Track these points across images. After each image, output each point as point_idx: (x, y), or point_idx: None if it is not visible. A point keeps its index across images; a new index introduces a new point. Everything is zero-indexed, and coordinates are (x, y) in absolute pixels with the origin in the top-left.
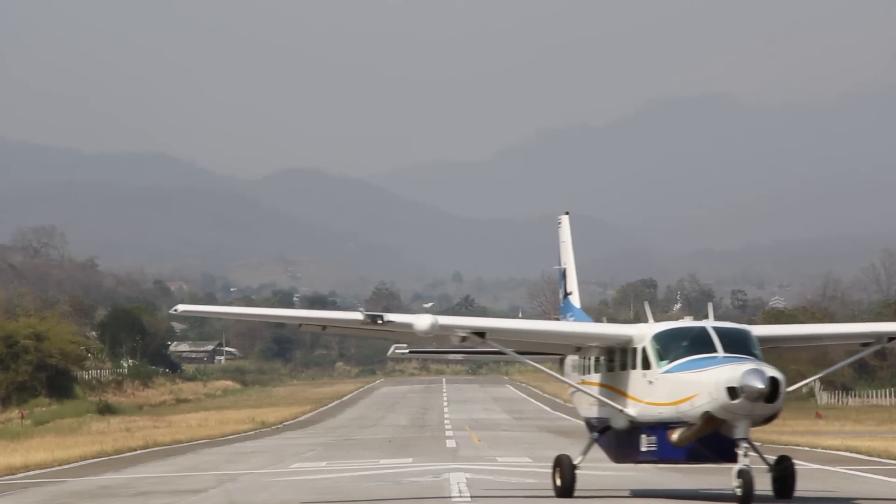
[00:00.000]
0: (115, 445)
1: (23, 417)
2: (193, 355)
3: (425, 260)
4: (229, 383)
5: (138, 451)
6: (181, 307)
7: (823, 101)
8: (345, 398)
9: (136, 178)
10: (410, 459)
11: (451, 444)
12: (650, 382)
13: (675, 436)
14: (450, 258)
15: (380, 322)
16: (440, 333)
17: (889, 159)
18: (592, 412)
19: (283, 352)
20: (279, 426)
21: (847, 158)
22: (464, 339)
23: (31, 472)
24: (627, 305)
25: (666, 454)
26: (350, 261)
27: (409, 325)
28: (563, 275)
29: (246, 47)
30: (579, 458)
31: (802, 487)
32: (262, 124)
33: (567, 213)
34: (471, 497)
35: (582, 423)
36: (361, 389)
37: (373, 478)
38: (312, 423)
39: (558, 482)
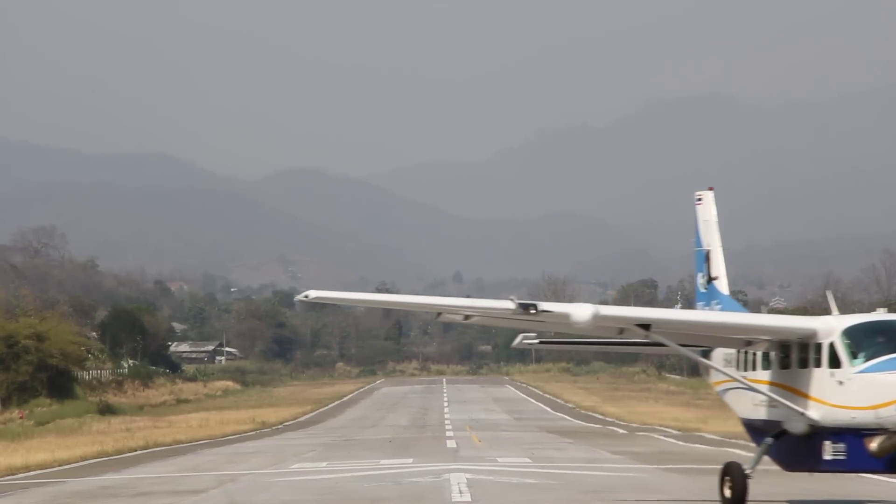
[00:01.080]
0: (116, 446)
1: (23, 417)
2: (194, 355)
3: (425, 260)
4: (230, 383)
5: (139, 452)
6: (313, 293)
7: (823, 101)
8: (345, 398)
9: (136, 178)
10: (411, 460)
11: (451, 444)
12: (840, 383)
13: (874, 444)
14: (450, 258)
15: (533, 312)
16: (600, 325)
17: (889, 159)
18: (758, 413)
19: (283, 352)
20: (280, 426)
21: (847, 158)
22: (621, 330)
23: (32, 473)
24: (627, 306)
25: (858, 463)
26: (350, 261)
27: (566, 316)
28: (706, 258)
29: (246, 47)
30: (751, 467)
31: (803, 488)
32: (263, 124)
33: (711, 189)
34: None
35: (580, 424)
36: (362, 390)
37: (373, 478)
38: (313, 423)
39: (727, 493)
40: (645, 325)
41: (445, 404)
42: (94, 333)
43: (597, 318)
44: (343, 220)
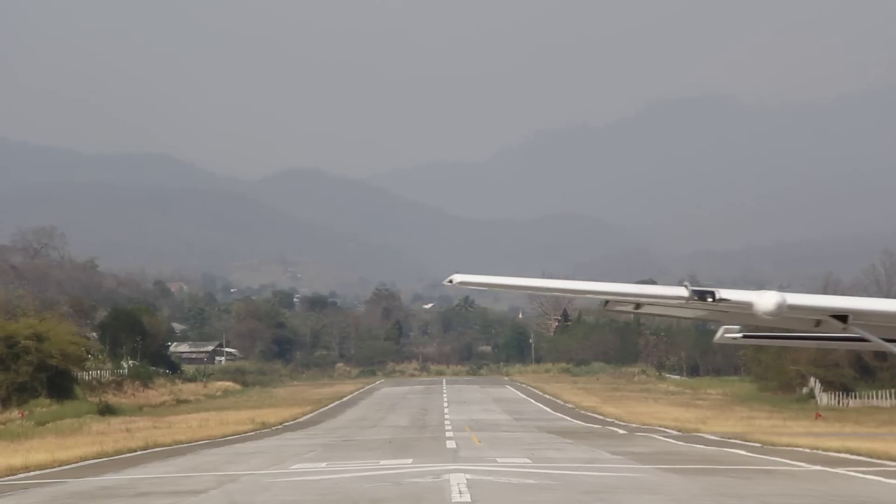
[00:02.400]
0: (116, 446)
1: (22, 418)
2: (194, 356)
3: (425, 260)
4: (229, 384)
5: (138, 452)
6: (458, 277)
7: (823, 101)
8: (345, 399)
9: (136, 179)
10: (410, 460)
11: (451, 444)
12: None
13: None
14: (450, 258)
15: (710, 300)
16: (788, 315)
17: (889, 160)
18: None
19: (283, 352)
20: (279, 427)
21: (847, 159)
22: (818, 322)
23: (31, 473)
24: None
25: None
26: (350, 261)
27: (747, 305)
28: None
29: (246, 47)
30: None
31: (803, 488)
32: (263, 124)
33: None
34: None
35: (579, 424)
36: (361, 390)
37: (373, 478)
38: (313, 423)
39: None
40: (841, 317)
41: (445, 405)
42: (93, 334)
43: (782, 307)
44: (343, 221)
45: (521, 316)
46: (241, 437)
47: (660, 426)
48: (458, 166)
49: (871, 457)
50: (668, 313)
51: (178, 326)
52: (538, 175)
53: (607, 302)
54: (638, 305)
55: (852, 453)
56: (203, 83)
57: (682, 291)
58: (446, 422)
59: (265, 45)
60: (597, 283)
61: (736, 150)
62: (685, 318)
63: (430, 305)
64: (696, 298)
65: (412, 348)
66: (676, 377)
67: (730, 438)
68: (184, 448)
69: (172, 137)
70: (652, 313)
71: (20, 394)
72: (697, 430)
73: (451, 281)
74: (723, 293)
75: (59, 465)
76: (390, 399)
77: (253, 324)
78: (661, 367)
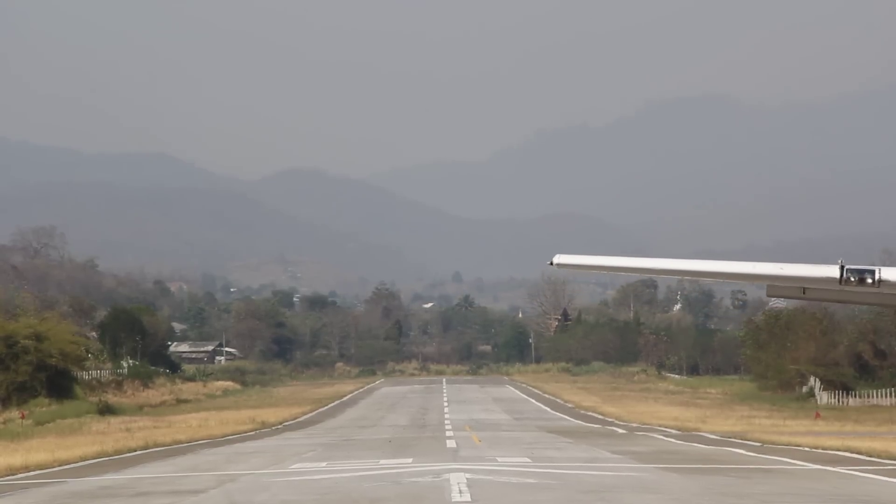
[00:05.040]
0: (116, 446)
1: (23, 417)
2: (193, 355)
3: (425, 260)
4: (229, 383)
5: (138, 452)
6: (559, 258)
7: (823, 101)
8: (345, 398)
9: (136, 178)
10: (410, 460)
11: (451, 444)
12: None
13: None
14: (450, 258)
15: (869, 281)
16: None
17: (889, 159)
18: None
19: (282, 352)
20: (279, 426)
21: (847, 158)
22: None
23: (31, 473)
24: (627, 306)
25: None
26: (350, 261)
27: None
28: None
29: (246, 47)
30: None
31: (803, 487)
32: (262, 124)
33: None
34: None
35: (579, 423)
36: (361, 390)
37: (373, 478)
38: (312, 423)
39: None
40: None
41: (445, 404)
42: (93, 333)
43: None
44: (343, 220)
45: (520, 315)
46: (240, 437)
47: (660, 425)
48: (458, 166)
49: (871, 456)
50: (838, 298)
51: (178, 326)
52: (538, 174)
53: (768, 288)
54: (805, 290)
55: (852, 452)
56: (203, 83)
57: (834, 271)
58: (446, 421)
59: (265, 45)
60: (749, 264)
61: (736, 149)
62: (856, 302)
63: (429, 305)
64: (851, 280)
65: (412, 348)
66: (676, 376)
67: (730, 437)
68: (184, 447)
69: (172, 137)
70: (820, 298)
71: (20, 393)
72: (697, 430)
73: (551, 262)
74: (884, 272)
75: (59, 465)
76: (390, 398)
77: (253, 323)
78: (660, 367)
